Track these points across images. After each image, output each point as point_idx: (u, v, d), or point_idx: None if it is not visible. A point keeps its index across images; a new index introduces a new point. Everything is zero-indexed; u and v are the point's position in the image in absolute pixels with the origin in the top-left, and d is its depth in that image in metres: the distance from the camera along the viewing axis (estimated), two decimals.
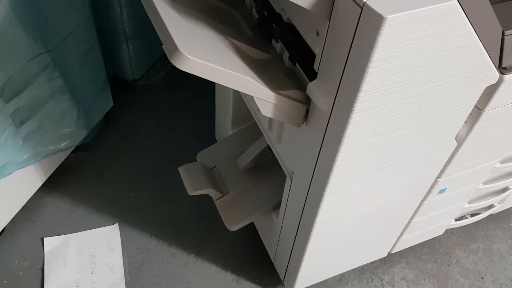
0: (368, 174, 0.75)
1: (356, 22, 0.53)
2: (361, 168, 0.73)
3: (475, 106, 0.73)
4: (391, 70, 0.56)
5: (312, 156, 0.74)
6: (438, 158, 0.83)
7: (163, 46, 0.56)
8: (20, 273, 1.11)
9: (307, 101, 0.69)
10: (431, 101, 0.66)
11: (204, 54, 0.58)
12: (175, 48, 0.54)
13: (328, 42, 0.60)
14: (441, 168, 0.86)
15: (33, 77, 1.02)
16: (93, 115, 1.27)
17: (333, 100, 0.62)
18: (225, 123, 1.19)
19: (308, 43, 0.65)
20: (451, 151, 0.82)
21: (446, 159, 0.84)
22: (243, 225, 1.01)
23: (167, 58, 0.56)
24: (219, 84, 1.11)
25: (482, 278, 1.18)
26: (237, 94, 1.06)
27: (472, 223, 1.21)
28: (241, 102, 1.03)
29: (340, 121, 0.63)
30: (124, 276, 1.12)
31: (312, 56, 0.65)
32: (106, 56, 1.25)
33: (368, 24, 0.52)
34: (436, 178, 0.89)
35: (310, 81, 0.66)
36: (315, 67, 0.64)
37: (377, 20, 0.50)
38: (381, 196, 0.85)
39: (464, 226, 1.23)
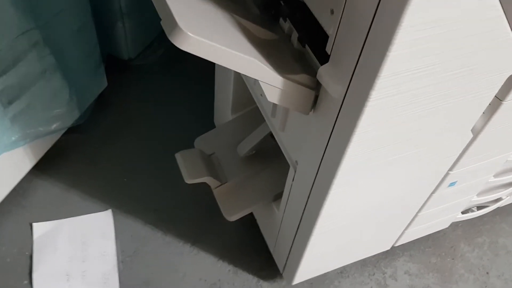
0: (379, 167, 0.71)
1: None
2: (372, 160, 0.68)
3: (495, 96, 0.68)
4: (415, 54, 0.51)
5: (319, 146, 0.69)
6: (452, 150, 0.78)
7: (161, 23, 0.51)
8: (8, 260, 1.06)
9: (316, 87, 0.64)
10: (453, 89, 0.60)
11: (207, 32, 0.52)
12: (174, 25, 0.49)
13: (343, 22, 0.54)
14: (454, 161, 0.82)
15: (22, 54, 0.96)
16: (86, 96, 1.21)
17: (347, 86, 0.57)
18: (224, 107, 1.13)
19: (321, 23, 0.59)
20: (466, 143, 0.77)
21: (460, 151, 0.79)
22: (242, 215, 0.96)
23: (165, 36, 0.50)
24: (219, 66, 1.05)
25: (487, 273, 1.15)
26: (238, 77, 1.00)
27: (478, 216, 1.17)
28: (243, 85, 0.97)
29: (353, 109, 0.58)
30: (117, 265, 1.08)
31: (324, 37, 0.59)
32: (100, 34, 1.19)
33: (392, 2, 0.46)
34: (448, 170, 0.84)
35: (321, 64, 0.61)
36: (328, 50, 0.59)
37: None
38: (390, 189, 0.80)
39: (469, 219, 1.19)
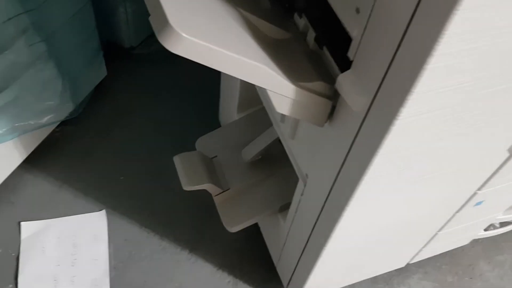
0: (402, 187, 0.62)
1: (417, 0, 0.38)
2: (396, 180, 0.59)
3: None
4: (457, 67, 0.42)
5: (335, 162, 0.60)
6: (484, 170, 0.69)
7: (149, 19, 0.42)
8: None
9: (334, 96, 0.55)
10: (495, 106, 0.51)
11: (205, 31, 0.43)
12: (165, 23, 0.40)
13: (372, 23, 0.45)
14: (484, 181, 0.72)
15: (9, 41, 0.87)
16: (82, 87, 1.12)
17: (371, 99, 0.48)
18: (230, 105, 1.04)
19: (343, 22, 0.50)
20: (501, 163, 0.68)
21: (493, 171, 0.70)
22: (244, 226, 0.88)
23: None
24: None
25: None
26: None
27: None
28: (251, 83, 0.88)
29: (378, 126, 0.49)
30: (108, 270, 1.00)
31: (347, 38, 0.50)
32: (100, 19, 1.10)
33: (435, 5, 0.37)
34: (476, 190, 0.75)
35: (341, 71, 0.51)
36: (350, 55, 0.49)
37: (449, 1, 0.35)
38: (412, 209, 0.71)
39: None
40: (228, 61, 0.44)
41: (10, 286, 0.97)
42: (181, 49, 0.41)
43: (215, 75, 1.12)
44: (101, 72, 1.19)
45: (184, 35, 0.40)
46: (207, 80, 1.28)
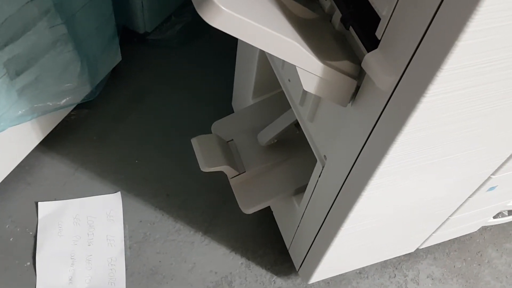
0: (421, 169, 0.63)
1: None
2: (416, 161, 0.60)
3: None
4: (488, 45, 0.43)
5: (355, 143, 0.61)
6: (500, 153, 0.70)
7: None
8: (11, 239, 1.01)
9: (359, 76, 0.56)
10: None
11: (241, 6, 0.44)
12: None
13: (402, 1, 0.46)
14: (499, 165, 0.74)
15: (31, 21, 0.89)
16: (98, 70, 1.13)
17: (399, 78, 0.49)
18: (245, 90, 1.05)
19: (372, 2, 0.51)
20: None
21: (509, 155, 0.71)
22: (260, 208, 0.90)
23: (183, 10, 0.43)
24: (242, 44, 0.96)
25: None
26: (263, 58, 0.92)
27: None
28: (268, 67, 0.89)
29: (404, 105, 0.50)
30: (124, 250, 1.02)
31: (373, 18, 0.51)
32: (116, 4, 1.11)
33: None
34: (491, 175, 0.76)
35: (368, 51, 0.53)
36: (378, 34, 0.51)
37: None
38: (428, 192, 0.73)
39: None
40: (263, 35, 0.45)
41: (28, 263, 0.99)
42: (219, 22, 0.42)
43: (228, 62, 1.13)
44: (117, 57, 1.20)
45: (223, 8, 0.41)
46: (220, 66, 1.29)
